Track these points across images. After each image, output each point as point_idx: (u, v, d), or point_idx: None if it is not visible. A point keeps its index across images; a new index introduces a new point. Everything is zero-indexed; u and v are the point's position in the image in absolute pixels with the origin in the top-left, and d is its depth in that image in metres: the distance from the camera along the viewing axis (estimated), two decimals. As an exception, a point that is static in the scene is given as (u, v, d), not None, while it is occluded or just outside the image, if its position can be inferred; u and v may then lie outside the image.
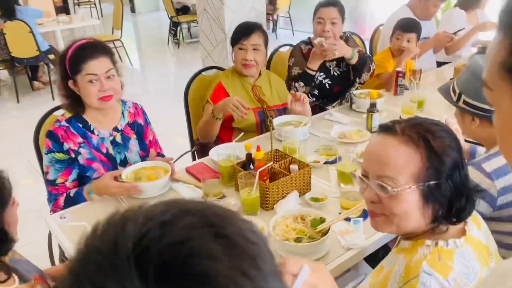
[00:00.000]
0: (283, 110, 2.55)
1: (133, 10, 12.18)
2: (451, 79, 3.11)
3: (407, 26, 3.02)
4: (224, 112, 2.14)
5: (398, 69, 2.82)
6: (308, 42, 2.82)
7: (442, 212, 1.00)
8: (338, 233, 1.52)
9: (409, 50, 2.95)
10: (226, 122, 2.36)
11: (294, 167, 1.78)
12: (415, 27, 3.01)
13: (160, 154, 2.17)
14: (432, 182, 0.98)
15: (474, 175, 1.43)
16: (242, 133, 2.05)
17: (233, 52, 2.40)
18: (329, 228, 1.43)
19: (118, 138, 1.98)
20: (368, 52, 3.56)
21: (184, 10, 8.64)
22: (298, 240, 1.41)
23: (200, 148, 2.72)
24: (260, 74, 2.47)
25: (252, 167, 1.79)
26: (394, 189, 0.99)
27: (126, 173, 1.86)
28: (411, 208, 1.00)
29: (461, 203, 0.99)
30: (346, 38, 2.83)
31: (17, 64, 5.56)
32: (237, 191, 1.78)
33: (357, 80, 2.81)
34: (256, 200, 1.65)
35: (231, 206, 1.64)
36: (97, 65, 1.80)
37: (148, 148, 2.10)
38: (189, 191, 1.85)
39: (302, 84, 2.67)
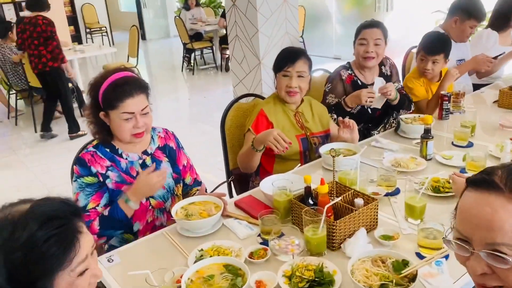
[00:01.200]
0: (326, 137, 2.43)
1: (143, 37, 12.26)
2: (494, 101, 2.99)
3: (433, 49, 2.84)
4: (264, 145, 2.02)
5: (443, 92, 2.70)
6: (348, 67, 2.71)
7: None
8: (421, 276, 1.36)
9: (451, 74, 2.83)
10: (268, 149, 2.24)
11: (359, 201, 1.63)
12: (441, 48, 2.82)
13: (196, 181, 2.05)
14: None
15: None
16: (299, 165, 1.91)
17: (276, 79, 2.29)
18: (416, 273, 1.28)
19: (148, 161, 1.87)
20: (400, 76, 3.45)
21: (197, 36, 8.65)
22: (383, 287, 1.25)
23: (238, 178, 2.59)
24: (302, 100, 2.35)
25: (312, 202, 1.65)
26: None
27: (175, 209, 1.72)
28: None
29: None
30: (391, 67, 2.77)
31: (35, 94, 5.51)
32: (294, 228, 1.64)
33: (395, 115, 2.73)
34: (323, 239, 1.50)
35: (295, 246, 1.49)
36: (134, 103, 1.72)
37: (182, 173, 1.98)
38: (243, 229, 1.71)
39: (334, 116, 2.56)
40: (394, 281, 1.27)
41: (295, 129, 2.31)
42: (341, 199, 1.64)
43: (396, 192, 1.89)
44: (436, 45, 2.83)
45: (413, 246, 1.53)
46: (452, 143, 2.36)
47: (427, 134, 2.16)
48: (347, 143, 2.26)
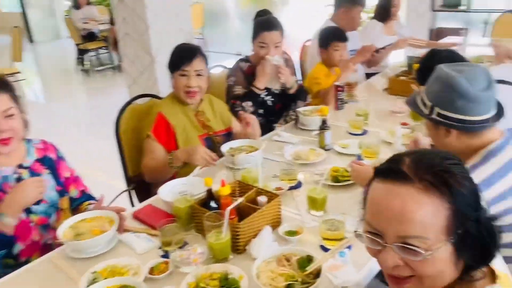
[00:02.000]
0: (229, 135, 2.37)
1: (30, 40, 11.25)
2: (384, 89, 3.16)
3: (341, 35, 2.99)
4: (186, 161, 1.91)
5: (337, 83, 2.78)
6: (247, 60, 2.68)
7: (475, 258, 0.85)
8: (326, 270, 1.35)
9: (347, 66, 2.94)
10: (174, 147, 2.13)
11: (262, 199, 1.59)
12: (345, 35, 3.00)
13: (85, 194, 1.87)
14: (460, 230, 0.82)
15: None
16: (200, 167, 1.81)
17: (173, 79, 2.17)
18: (320, 268, 1.26)
19: (26, 175, 1.67)
20: (298, 69, 3.51)
21: (90, 36, 8.13)
22: (290, 287, 1.22)
23: (140, 186, 2.43)
24: (201, 99, 2.26)
25: (215, 205, 1.57)
26: (427, 252, 0.80)
27: (62, 229, 1.54)
28: (446, 265, 0.84)
29: (493, 240, 0.85)
30: (286, 61, 2.78)
31: None
32: (199, 235, 1.55)
33: (292, 107, 2.76)
34: (227, 244, 1.43)
35: (198, 255, 1.40)
36: None
37: (66, 185, 1.80)
38: (141, 242, 1.58)
39: (250, 103, 2.52)
40: (299, 279, 1.24)
41: (197, 130, 2.21)
42: (244, 199, 1.58)
43: (298, 185, 1.89)
44: (342, 33, 2.98)
45: (317, 239, 1.52)
46: (348, 132, 2.43)
47: (324, 125, 2.19)
48: (249, 139, 2.22)
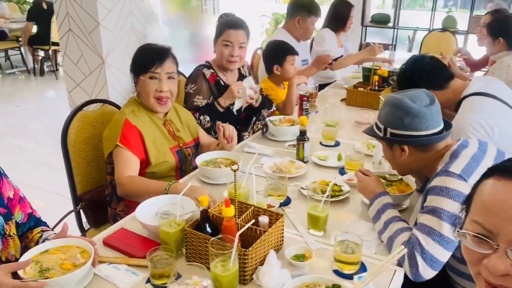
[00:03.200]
0: (197, 146, 2.16)
1: None
2: (341, 100, 3.13)
3: (293, 49, 2.91)
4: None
5: (301, 92, 2.69)
6: (209, 66, 2.47)
7: None
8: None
9: (300, 78, 2.85)
10: (141, 165, 1.87)
11: (263, 219, 1.40)
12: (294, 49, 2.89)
13: (33, 217, 1.54)
14: None
15: (446, 181, 1.33)
16: (190, 184, 1.57)
17: (138, 83, 1.91)
18: (354, 298, 1.11)
19: None
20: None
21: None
22: (326, 324, 1.05)
23: (91, 205, 2.11)
24: (168, 107, 2.02)
25: (210, 229, 1.36)
26: None
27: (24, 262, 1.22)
28: None
29: None
30: (249, 72, 2.66)
31: None
32: (194, 266, 1.32)
33: (258, 116, 2.63)
34: (236, 274, 1.22)
35: (203, 289, 1.18)
36: None
37: (11, 208, 1.46)
38: (123, 276, 1.31)
39: (208, 118, 2.33)
40: (334, 313, 1.08)
41: (168, 141, 1.98)
42: (240, 220, 1.39)
43: (288, 201, 1.74)
44: (292, 46, 2.84)
45: (327, 263, 1.37)
46: (320, 143, 2.34)
47: (303, 136, 2.06)
48: (223, 151, 2.02)
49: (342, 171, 2.00)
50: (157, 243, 1.44)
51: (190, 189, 1.54)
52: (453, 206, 1.30)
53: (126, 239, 1.48)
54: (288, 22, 3.41)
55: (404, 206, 1.70)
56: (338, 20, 3.72)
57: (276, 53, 2.84)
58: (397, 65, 3.77)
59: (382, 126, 1.53)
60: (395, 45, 6.73)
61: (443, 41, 5.25)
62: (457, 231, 0.81)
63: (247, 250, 1.24)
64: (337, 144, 2.33)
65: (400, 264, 1.34)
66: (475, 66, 4.02)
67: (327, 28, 3.73)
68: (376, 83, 2.94)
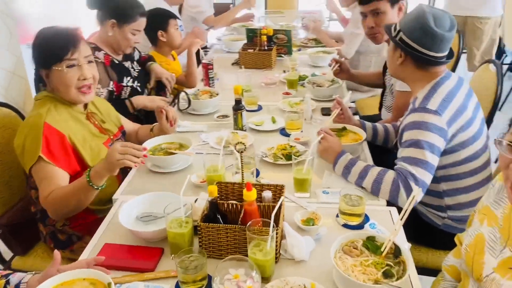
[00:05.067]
0: (123, 135, 1.94)
1: None
2: (233, 63, 3.11)
3: (173, 13, 2.80)
4: (113, 173, 1.43)
5: (205, 61, 2.59)
6: (97, 47, 2.19)
7: None
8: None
9: (196, 42, 2.75)
10: (78, 166, 1.61)
11: (267, 194, 1.37)
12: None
13: None
14: None
15: (424, 117, 1.51)
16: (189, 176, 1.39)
17: (50, 75, 1.59)
18: (394, 243, 1.20)
19: None
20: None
21: None
22: (387, 272, 1.12)
23: (11, 229, 1.75)
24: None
25: (220, 219, 1.28)
26: None
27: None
28: None
29: None
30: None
31: None
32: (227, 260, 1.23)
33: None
34: (273, 257, 1.19)
35: (250, 282, 1.11)
36: None
37: None
38: (146, 294, 1.15)
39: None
40: (386, 262, 1.15)
41: (98, 137, 1.73)
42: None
43: (258, 172, 1.71)
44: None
45: (332, 220, 1.43)
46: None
47: (239, 105, 2.02)
48: (165, 135, 1.87)
49: (283, 132, 2.05)
50: (159, 248, 1.30)
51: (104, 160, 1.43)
52: (431, 137, 1.48)
53: (121, 254, 1.29)
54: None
55: (358, 154, 1.84)
56: None
57: (157, 19, 2.68)
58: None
59: (398, 28, 1.61)
60: (234, 3, 6.87)
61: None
62: (495, 139, 0.97)
63: (277, 227, 1.21)
64: (259, 108, 2.34)
65: (394, 201, 1.48)
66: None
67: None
68: (265, 43, 3.00)
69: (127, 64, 2.33)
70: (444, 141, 1.53)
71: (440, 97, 1.55)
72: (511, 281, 1.03)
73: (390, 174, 1.51)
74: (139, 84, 2.32)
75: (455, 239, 1.38)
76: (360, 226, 1.39)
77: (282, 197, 1.24)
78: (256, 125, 2.11)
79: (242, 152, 1.28)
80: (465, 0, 3.78)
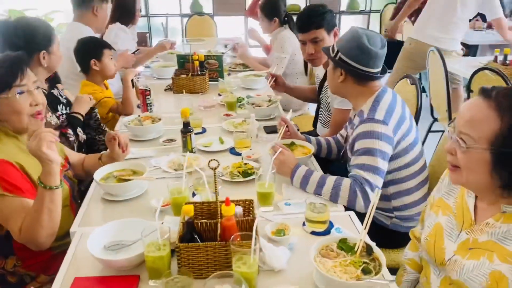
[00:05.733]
0: (70, 165, 1.85)
1: None
2: (166, 89, 3.11)
3: (108, 43, 2.76)
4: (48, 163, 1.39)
5: (142, 87, 2.56)
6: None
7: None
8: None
9: (132, 71, 2.73)
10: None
11: (238, 209, 1.39)
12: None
13: None
14: (505, 150, 1.05)
15: (373, 127, 1.65)
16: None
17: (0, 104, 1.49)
18: (365, 243, 1.28)
19: None
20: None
21: None
22: (365, 270, 1.19)
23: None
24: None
25: (197, 238, 1.27)
26: (465, 146, 1.08)
27: None
28: (480, 168, 1.08)
29: None
30: None
31: None
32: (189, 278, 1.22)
33: None
34: (256, 269, 1.22)
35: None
36: None
37: None
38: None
39: (71, 131, 2.02)
40: (362, 261, 1.22)
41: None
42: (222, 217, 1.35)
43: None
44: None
45: (299, 229, 1.49)
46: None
47: (187, 128, 2.03)
48: (115, 163, 1.81)
49: (233, 151, 2.09)
50: (135, 276, 1.26)
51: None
52: (381, 145, 1.62)
53: (96, 286, 1.22)
54: (81, 15, 3.07)
55: (309, 166, 1.93)
56: (127, 13, 3.59)
57: (91, 48, 2.62)
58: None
59: (336, 49, 1.75)
60: (150, 34, 6.86)
61: (205, 25, 5.67)
62: (448, 124, 1.18)
63: (258, 240, 1.24)
64: (204, 130, 2.36)
65: (352, 206, 1.58)
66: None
67: (117, 23, 3.54)
68: (197, 68, 3.04)
69: (55, 92, 2.23)
70: (391, 148, 1.68)
71: (384, 109, 1.70)
72: (471, 260, 1.17)
73: (347, 181, 1.62)
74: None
75: (410, 234, 1.51)
76: (327, 232, 1.47)
77: (256, 211, 1.28)
78: (205, 147, 2.12)
79: (215, 168, 1.30)
80: (431, 29, 3.82)
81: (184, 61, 3.19)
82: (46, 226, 1.39)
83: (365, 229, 1.30)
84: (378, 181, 1.61)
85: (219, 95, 2.91)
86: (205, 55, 3.14)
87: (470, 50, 4.85)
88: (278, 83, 2.67)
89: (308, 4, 6.71)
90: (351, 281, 1.15)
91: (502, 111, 1.05)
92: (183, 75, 3.06)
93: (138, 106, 2.65)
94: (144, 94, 2.55)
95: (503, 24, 3.72)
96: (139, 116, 2.37)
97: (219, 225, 1.28)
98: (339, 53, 1.74)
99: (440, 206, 1.32)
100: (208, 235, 1.34)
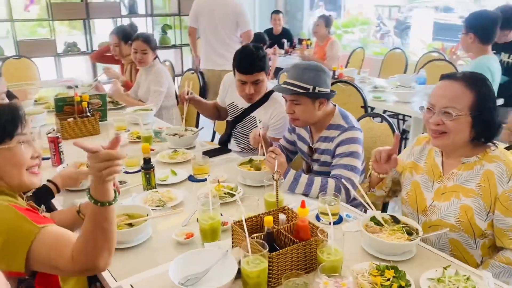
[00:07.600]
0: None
1: None
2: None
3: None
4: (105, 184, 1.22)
5: (51, 135, 2.28)
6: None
7: (483, 133, 1.56)
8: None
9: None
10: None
11: (283, 216, 1.51)
12: None
13: None
14: (479, 113, 1.53)
15: (354, 134, 1.99)
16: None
17: None
18: (390, 215, 1.58)
19: None
20: None
21: None
22: (411, 233, 1.49)
23: None
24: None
25: (276, 246, 1.36)
26: (455, 114, 1.51)
27: None
28: (464, 129, 1.54)
29: (494, 127, 1.57)
30: None
31: None
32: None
33: None
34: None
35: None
36: None
37: None
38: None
39: None
40: (402, 226, 1.52)
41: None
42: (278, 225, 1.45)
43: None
44: None
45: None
46: (125, 172, 2.21)
47: (149, 164, 1.96)
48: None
49: (192, 178, 2.11)
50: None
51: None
52: (359, 148, 1.98)
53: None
54: None
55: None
56: None
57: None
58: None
59: (310, 86, 1.95)
60: None
61: (22, 67, 5.07)
62: (420, 107, 1.60)
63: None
64: (140, 170, 2.25)
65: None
66: None
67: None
68: (86, 109, 2.83)
69: None
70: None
71: (351, 117, 2.08)
72: (444, 202, 1.61)
73: (331, 181, 1.90)
74: None
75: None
76: (339, 221, 1.71)
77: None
78: (162, 181, 2.08)
79: (278, 179, 1.40)
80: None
81: (63, 104, 2.91)
82: (102, 250, 1.20)
83: (372, 209, 1.61)
84: (356, 178, 1.94)
85: (116, 134, 2.77)
86: (89, 95, 2.94)
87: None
88: (193, 99, 2.77)
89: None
90: (409, 241, 1.44)
91: (472, 86, 1.52)
92: (70, 119, 2.80)
93: (49, 158, 2.32)
94: (56, 141, 2.27)
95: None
96: (74, 161, 2.11)
97: (294, 227, 1.39)
98: (316, 88, 1.96)
99: (413, 167, 1.75)
100: (279, 242, 1.42)
